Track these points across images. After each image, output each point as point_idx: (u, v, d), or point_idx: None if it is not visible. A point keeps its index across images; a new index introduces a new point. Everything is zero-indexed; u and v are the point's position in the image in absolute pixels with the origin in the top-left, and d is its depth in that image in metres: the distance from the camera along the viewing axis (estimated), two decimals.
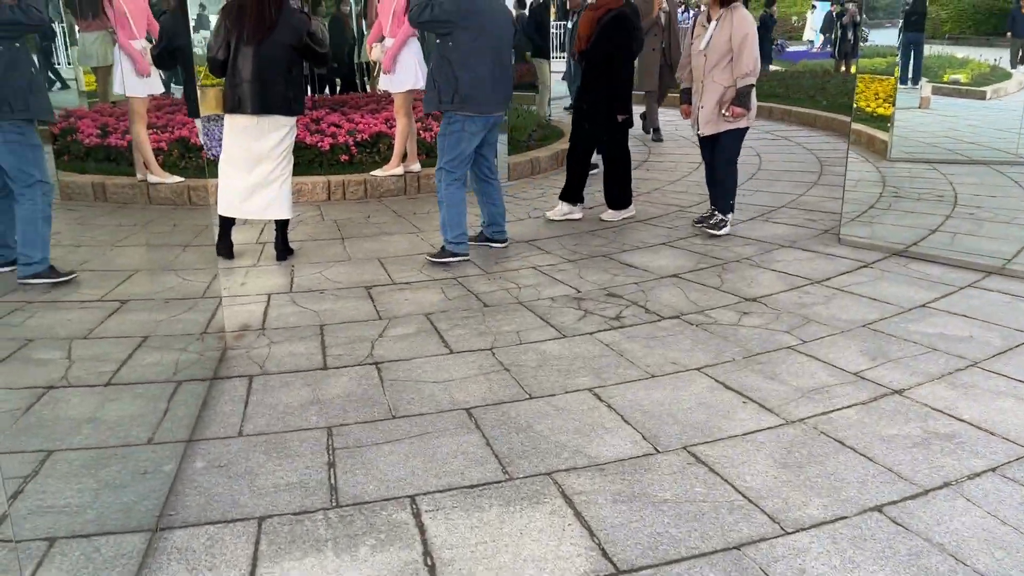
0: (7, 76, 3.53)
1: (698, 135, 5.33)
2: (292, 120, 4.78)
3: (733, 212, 5.45)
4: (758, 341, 3.65)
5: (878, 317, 3.91)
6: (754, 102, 5.16)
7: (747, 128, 5.23)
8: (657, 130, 9.43)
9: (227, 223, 4.90)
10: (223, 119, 4.69)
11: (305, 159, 6.69)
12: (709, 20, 5.07)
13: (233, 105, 4.58)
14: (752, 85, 5.02)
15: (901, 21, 8.00)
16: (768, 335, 3.71)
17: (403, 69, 6.33)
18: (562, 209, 5.82)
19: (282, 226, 4.91)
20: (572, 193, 5.78)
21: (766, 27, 15.24)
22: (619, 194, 5.77)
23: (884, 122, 7.65)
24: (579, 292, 4.35)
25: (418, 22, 4.44)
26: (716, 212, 5.41)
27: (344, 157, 6.75)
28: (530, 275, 4.64)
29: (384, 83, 6.48)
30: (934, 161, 7.71)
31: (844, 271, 4.63)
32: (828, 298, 4.19)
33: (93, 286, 4.31)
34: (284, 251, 4.92)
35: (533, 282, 4.52)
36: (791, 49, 17.10)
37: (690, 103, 5.34)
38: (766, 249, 5.09)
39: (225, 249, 4.92)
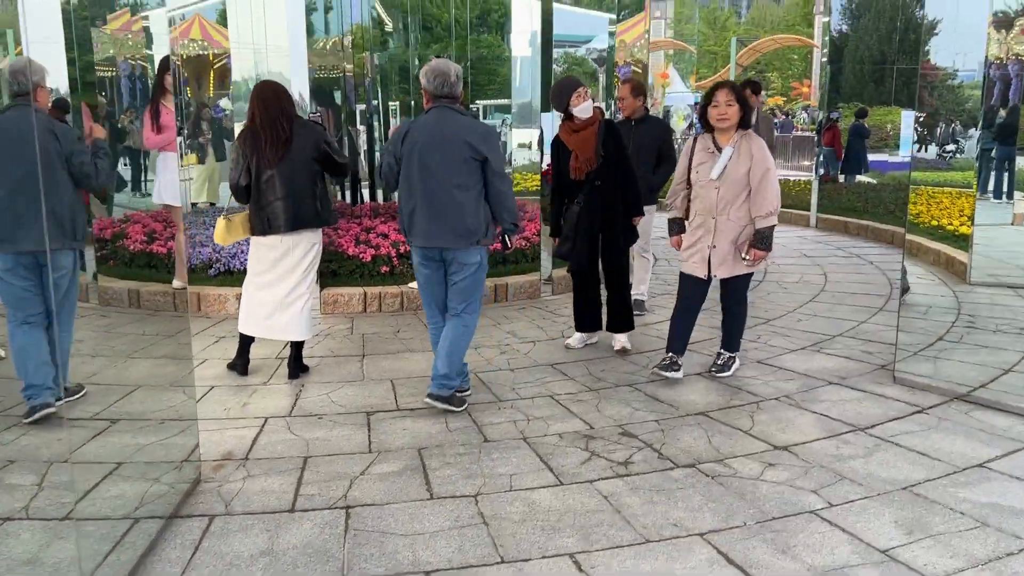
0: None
1: (702, 277, 4.65)
2: (319, 234, 4.72)
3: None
4: (778, 502, 3.22)
5: (924, 478, 3.42)
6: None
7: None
8: None
9: (246, 340, 4.82)
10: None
11: (346, 270, 6.65)
12: (717, 146, 4.50)
13: (263, 227, 4.55)
14: (775, 226, 4.50)
15: (978, 130, 7.59)
16: (791, 494, 3.28)
17: None
18: (579, 337, 5.48)
19: (298, 345, 4.79)
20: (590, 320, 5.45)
21: (860, 135, 14.80)
22: (629, 315, 5.39)
23: (966, 241, 7.14)
24: (591, 428, 4.02)
25: (383, 179, 4.31)
26: (723, 351, 4.89)
27: (385, 268, 6.69)
28: (544, 405, 4.34)
29: None
30: (1021, 287, 7.10)
31: (894, 417, 4.15)
32: (870, 450, 3.73)
33: (93, 402, 4.25)
34: (297, 369, 4.79)
35: (545, 414, 4.22)
36: (876, 158, 16.59)
37: (681, 234, 4.78)
38: (811, 386, 4.65)
39: (241, 366, 4.82)
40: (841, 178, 14.83)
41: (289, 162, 4.46)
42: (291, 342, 4.78)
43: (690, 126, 27.56)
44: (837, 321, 6.10)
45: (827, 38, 13.49)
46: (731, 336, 4.87)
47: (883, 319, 6.12)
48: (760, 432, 3.97)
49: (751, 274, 4.74)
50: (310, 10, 10.05)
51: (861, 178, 14.81)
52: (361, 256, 6.69)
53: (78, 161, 3.65)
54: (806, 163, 20.85)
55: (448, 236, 4.07)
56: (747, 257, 4.49)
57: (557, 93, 5.03)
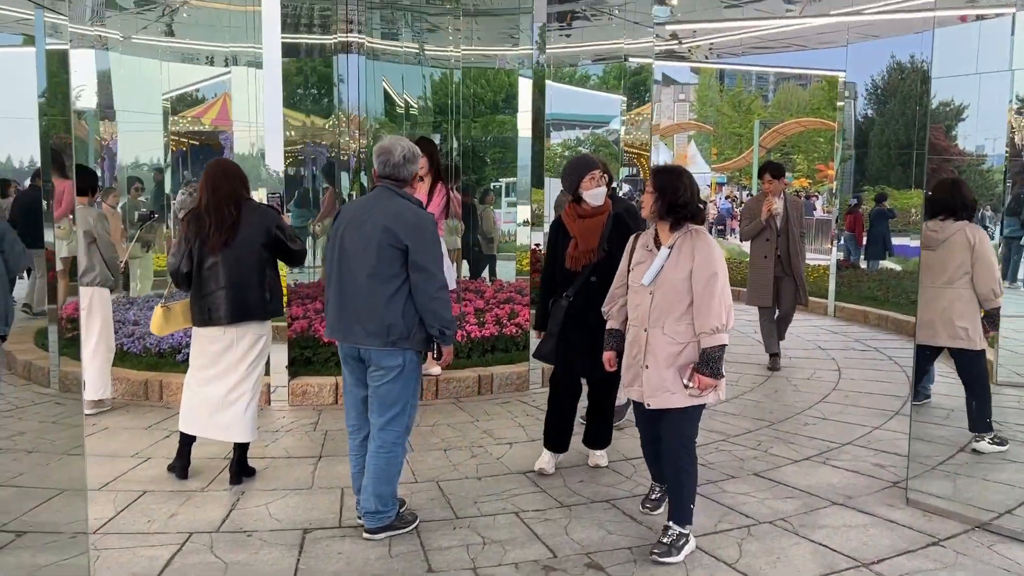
0: None
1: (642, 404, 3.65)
2: (267, 326, 4.35)
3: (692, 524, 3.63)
4: None
5: None
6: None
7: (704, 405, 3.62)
8: (775, 356, 7.38)
9: (187, 439, 4.41)
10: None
11: (321, 357, 6.27)
12: (657, 243, 3.61)
13: (204, 318, 4.20)
14: (725, 346, 3.49)
15: (1002, 217, 7.16)
16: None
17: None
18: (549, 458, 4.63)
19: (242, 447, 4.37)
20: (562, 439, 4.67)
21: (883, 219, 14.38)
22: (608, 432, 4.78)
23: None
24: (554, 557, 3.51)
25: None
26: (673, 525, 3.55)
27: None
28: (506, 525, 3.85)
29: None
30: None
31: (904, 550, 3.60)
32: None
33: (5, 512, 3.84)
34: (240, 474, 4.35)
35: (505, 536, 3.72)
36: (901, 242, 16.11)
37: (616, 350, 3.87)
38: (812, 506, 4.11)
39: (180, 468, 4.40)
40: (864, 263, 14.36)
41: (235, 248, 4.12)
42: (235, 444, 4.35)
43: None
44: (848, 426, 5.56)
45: (840, 120, 13.16)
46: (678, 503, 3.57)
47: (899, 424, 5.57)
48: (747, 566, 3.43)
49: (698, 416, 3.65)
50: (318, 87, 9.98)
51: (885, 263, 14.34)
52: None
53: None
54: (827, 246, 20.40)
55: (359, 332, 3.60)
56: (690, 384, 3.46)
57: (569, 172, 4.42)
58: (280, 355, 5.96)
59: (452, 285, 6.02)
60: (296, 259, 4.39)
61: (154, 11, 10.87)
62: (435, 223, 3.68)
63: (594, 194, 4.35)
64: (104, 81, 10.56)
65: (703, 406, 3.59)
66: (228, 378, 4.27)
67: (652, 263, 3.56)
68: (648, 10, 10.29)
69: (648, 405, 3.56)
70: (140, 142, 11.29)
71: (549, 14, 10.51)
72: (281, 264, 4.43)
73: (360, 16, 8.81)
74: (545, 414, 4.66)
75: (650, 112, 10.69)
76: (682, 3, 10.46)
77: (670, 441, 3.58)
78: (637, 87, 10.79)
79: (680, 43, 13.00)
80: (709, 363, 3.43)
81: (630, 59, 10.59)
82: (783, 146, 45.46)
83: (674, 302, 3.49)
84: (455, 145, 10.41)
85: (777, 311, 7.33)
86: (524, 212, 6.85)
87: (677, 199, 3.46)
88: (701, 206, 3.58)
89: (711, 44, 13.50)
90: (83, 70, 10.28)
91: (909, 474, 4.29)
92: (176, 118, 11.46)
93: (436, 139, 11.56)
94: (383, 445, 3.65)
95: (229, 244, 4.11)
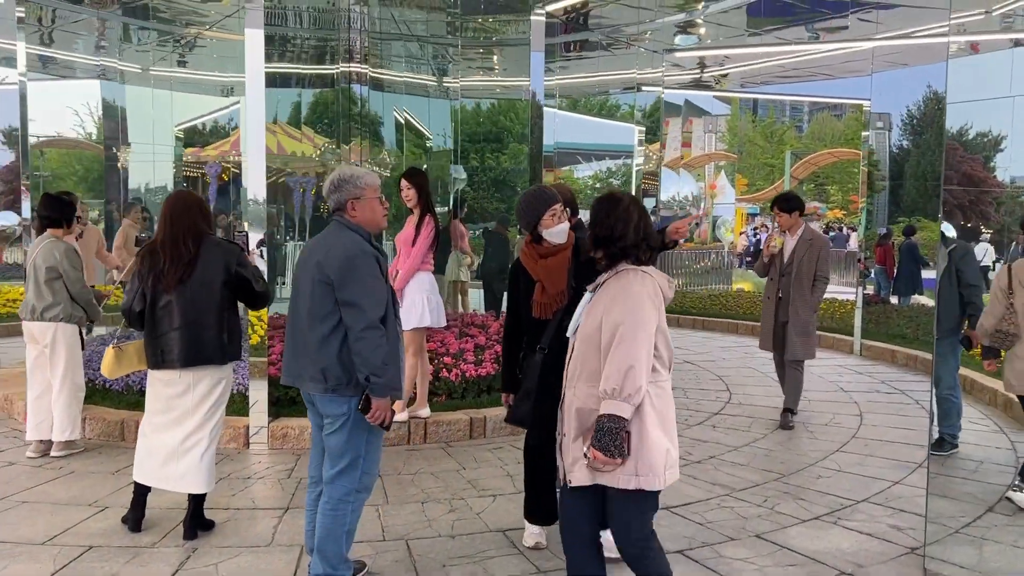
0: None
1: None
2: (226, 369, 4.06)
3: None
4: None
5: None
6: (667, 458, 2.81)
7: (656, 493, 2.86)
8: (785, 412, 6.50)
9: (142, 490, 4.12)
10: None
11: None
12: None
13: (157, 360, 3.93)
14: (625, 420, 2.72)
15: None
16: None
17: (409, 305, 5.63)
18: (535, 532, 4.07)
19: (197, 499, 4.06)
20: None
21: (912, 255, 13.80)
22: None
23: None
24: None
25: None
26: None
27: None
28: None
29: None
30: None
31: None
32: None
33: None
34: (195, 528, 4.04)
35: None
36: (932, 276, 15.50)
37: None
38: None
39: (133, 520, 4.10)
40: (894, 299, 13.81)
41: (191, 286, 3.86)
42: (189, 495, 4.05)
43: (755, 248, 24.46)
44: (865, 480, 5.11)
45: (866, 149, 12.75)
46: None
47: (921, 479, 5.10)
48: None
49: (644, 508, 2.88)
50: (324, 118, 9.83)
51: (918, 298, 13.77)
52: None
53: None
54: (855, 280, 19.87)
55: (302, 375, 3.33)
56: (587, 453, 2.79)
57: (525, 208, 3.83)
58: (262, 394, 5.69)
59: (428, 322, 5.68)
60: (259, 301, 4.10)
61: (167, 44, 10.87)
62: (368, 254, 3.28)
63: (556, 232, 3.76)
64: (116, 111, 10.55)
65: (646, 499, 2.83)
66: (183, 424, 3.98)
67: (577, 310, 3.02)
68: (668, 39, 10.02)
69: (568, 482, 2.91)
70: (151, 171, 11.29)
71: (564, 44, 10.34)
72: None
73: (366, 46, 8.64)
74: (524, 485, 4.07)
75: (661, 142, 10.39)
76: (708, 32, 10.20)
77: (617, 535, 2.91)
78: (654, 115, 10.50)
79: (703, 72, 12.72)
80: (599, 435, 2.72)
81: (642, 88, 10.31)
82: (816, 177, 44.83)
83: (588, 357, 2.88)
84: (460, 177, 10.17)
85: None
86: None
87: (610, 232, 2.89)
88: (645, 243, 2.90)
89: (734, 72, 13.20)
90: (94, 100, 10.28)
91: (927, 539, 3.85)
92: (193, 151, 11.43)
93: (461, 172, 11.32)
94: (329, 500, 3.33)
95: (184, 281, 3.84)
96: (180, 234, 3.89)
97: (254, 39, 5.57)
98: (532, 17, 6.26)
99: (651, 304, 2.77)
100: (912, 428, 6.44)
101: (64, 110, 10.45)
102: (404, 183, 5.71)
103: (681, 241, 3.41)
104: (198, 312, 3.87)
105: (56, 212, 5.42)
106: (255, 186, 5.62)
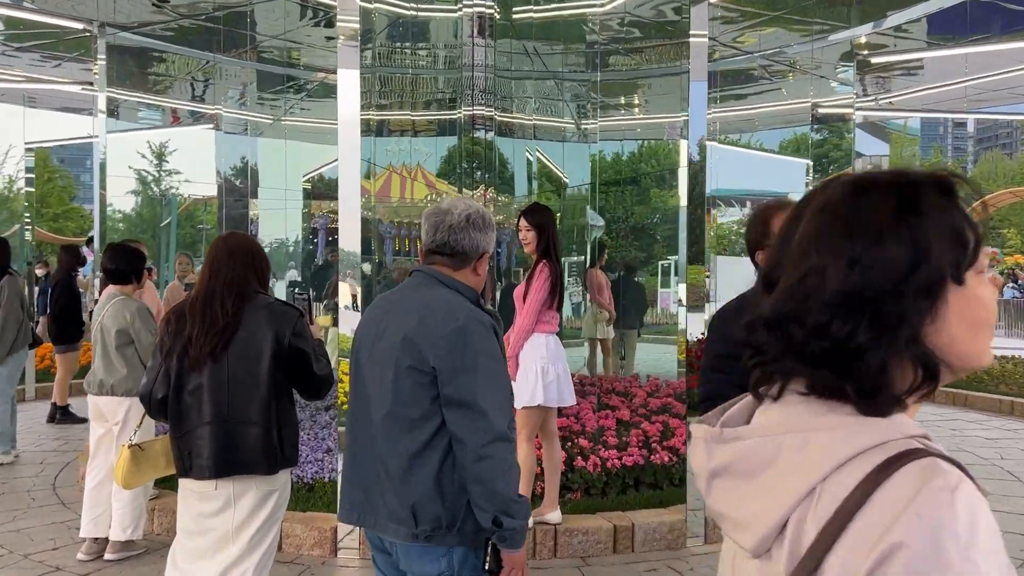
0: None
1: None
2: (278, 480, 2.97)
3: None
4: None
5: None
6: None
7: None
8: None
9: None
10: None
11: None
12: None
13: (183, 465, 2.89)
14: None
15: None
16: None
17: (522, 376, 4.44)
18: None
19: None
20: None
21: None
22: None
23: None
24: None
25: None
26: None
27: None
28: None
29: None
30: None
31: None
32: None
33: None
34: None
35: None
36: None
37: None
38: None
39: None
40: None
41: (228, 363, 2.82)
42: None
43: None
44: None
45: None
46: None
47: None
48: None
49: None
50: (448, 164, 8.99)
51: None
52: None
53: None
54: None
55: (375, 513, 2.17)
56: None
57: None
58: None
59: (540, 399, 4.42)
60: (316, 385, 3.00)
61: (292, 94, 10.44)
62: (487, 325, 2.12)
63: None
64: (246, 162, 10.19)
65: None
66: (223, 553, 2.91)
67: None
68: (839, 61, 8.52)
69: None
70: (281, 220, 10.91)
71: (717, 72, 9.04)
72: None
73: (494, 88, 7.69)
74: None
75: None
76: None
77: None
78: (827, 148, 8.99)
79: (877, 100, 11.06)
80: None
81: (821, 117, 8.81)
82: (992, 220, 40.77)
83: None
84: (597, 224, 9.02)
85: None
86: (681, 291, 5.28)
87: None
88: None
89: (912, 97, 11.43)
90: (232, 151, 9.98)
91: None
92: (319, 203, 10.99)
93: (599, 219, 10.13)
94: None
95: (219, 356, 2.81)
96: (220, 290, 2.88)
97: (347, 81, 4.67)
98: (691, 39, 5.01)
99: None
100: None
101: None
102: (523, 223, 4.58)
103: None
104: (237, 400, 2.82)
105: (124, 264, 4.63)
106: (349, 237, 4.65)
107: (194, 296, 2.90)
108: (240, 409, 2.82)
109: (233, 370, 2.82)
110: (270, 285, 9.39)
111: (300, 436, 5.84)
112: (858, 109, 10.07)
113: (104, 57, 7.10)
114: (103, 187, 7.19)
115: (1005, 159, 60.14)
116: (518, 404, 4.44)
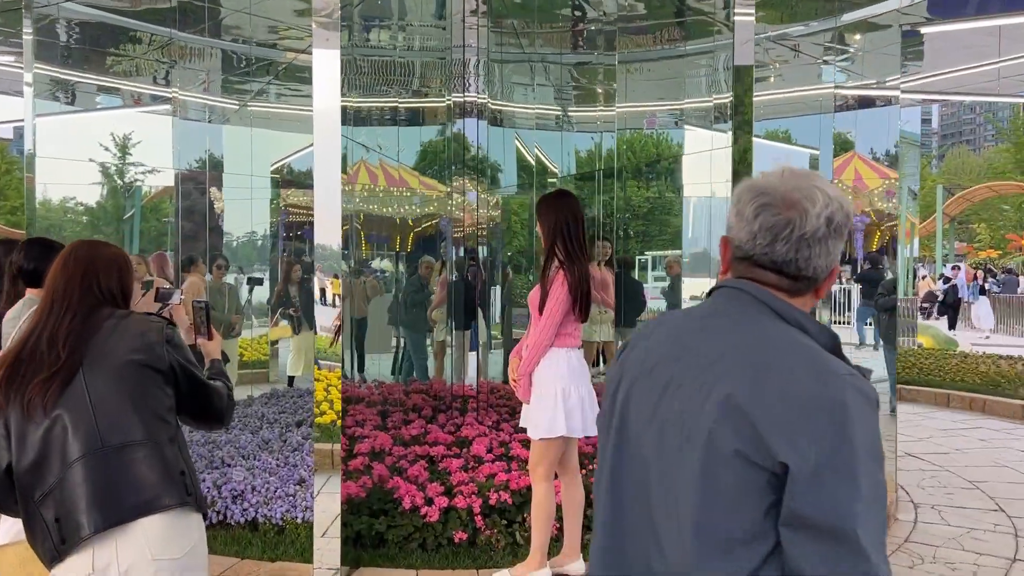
0: None
1: None
2: (193, 521, 2.13)
3: None
4: None
5: None
6: None
7: None
8: None
9: None
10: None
11: (398, 535, 4.10)
12: None
13: (54, 542, 2.01)
14: None
15: None
16: None
17: (537, 401, 3.72)
18: None
19: None
20: None
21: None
22: None
23: None
24: None
25: None
26: None
27: (460, 535, 4.09)
28: None
29: (523, 418, 3.88)
30: None
31: None
32: None
33: None
34: None
35: None
36: None
37: None
38: None
39: None
40: None
41: (88, 387, 2.07)
42: None
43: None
44: None
45: None
46: None
47: None
48: None
49: None
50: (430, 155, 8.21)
51: None
52: (426, 515, 4.14)
53: None
54: None
55: None
56: None
57: None
58: (334, 525, 3.84)
59: (562, 430, 3.66)
60: (214, 412, 2.28)
61: (261, 80, 9.61)
62: (873, 402, 1.24)
63: None
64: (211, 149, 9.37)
65: None
66: None
67: None
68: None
69: None
70: (247, 211, 10.14)
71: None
72: None
73: (483, 73, 6.92)
74: None
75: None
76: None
77: None
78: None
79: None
80: None
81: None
82: (966, 215, 40.80)
83: None
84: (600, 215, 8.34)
85: None
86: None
87: None
88: None
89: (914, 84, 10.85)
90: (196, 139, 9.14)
91: None
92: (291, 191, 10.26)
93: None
94: None
95: (68, 381, 2.07)
96: (67, 307, 2.18)
97: (324, 62, 3.91)
98: (736, 17, 4.24)
99: None
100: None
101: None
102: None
103: None
104: (109, 421, 2.05)
105: (47, 264, 3.79)
106: (327, 231, 3.90)
107: (26, 332, 2.15)
108: (117, 431, 2.05)
109: (96, 393, 2.06)
110: (233, 283, 8.54)
111: (267, 463, 5.06)
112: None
113: (31, 31, 6.12)
114: (30, 171, 6.21)
115: (972, 156, 60.38)
116: (534, 435, 3.70)
